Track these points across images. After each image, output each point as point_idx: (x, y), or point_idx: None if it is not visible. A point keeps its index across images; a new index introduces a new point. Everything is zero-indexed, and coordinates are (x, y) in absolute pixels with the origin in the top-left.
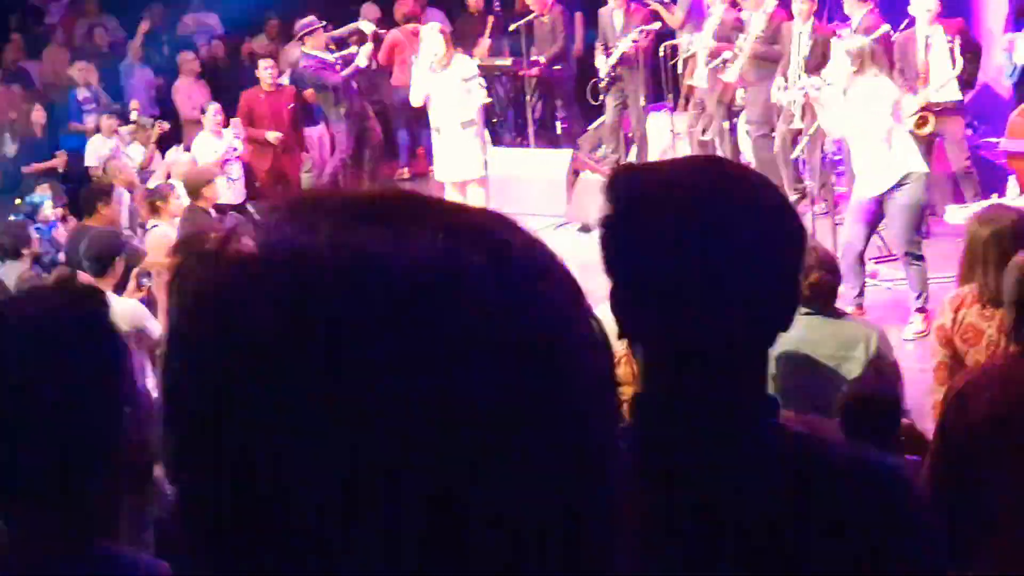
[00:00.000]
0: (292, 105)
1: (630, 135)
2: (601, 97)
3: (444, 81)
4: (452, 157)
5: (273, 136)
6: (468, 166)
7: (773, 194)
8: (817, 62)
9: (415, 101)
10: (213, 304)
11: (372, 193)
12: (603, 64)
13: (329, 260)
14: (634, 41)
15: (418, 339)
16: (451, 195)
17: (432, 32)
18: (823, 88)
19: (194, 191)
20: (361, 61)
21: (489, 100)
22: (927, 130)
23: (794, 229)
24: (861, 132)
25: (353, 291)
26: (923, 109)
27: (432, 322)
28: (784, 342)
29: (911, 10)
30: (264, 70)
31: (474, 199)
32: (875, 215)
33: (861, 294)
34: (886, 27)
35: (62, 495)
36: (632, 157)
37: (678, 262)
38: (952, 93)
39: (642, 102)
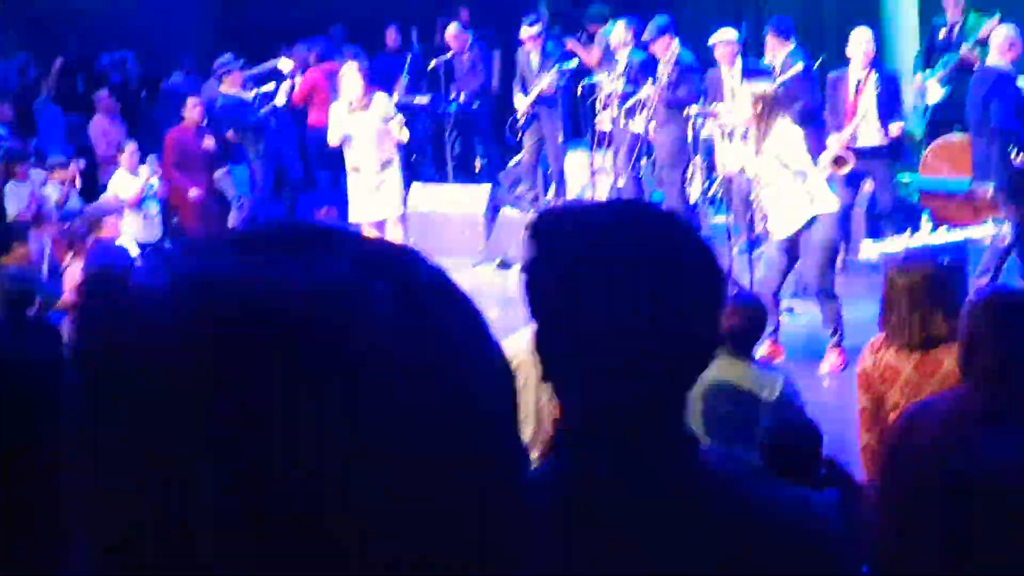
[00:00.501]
0: (210, 144)
1: (549, 172)
2: (519, 135)
3: (363, 121)
4: (370, 197)
5: (194, 193)
6: (387, 205)
7: (693, 237)
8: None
9: (332, 141)
10: (115, 334)
11: (280, 225)
12: (521, 102)
13: (233, 288)
14: (551, 79)
15: (318, 363)
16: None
17: (351, 72)
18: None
19: (94, 225)
20: (279, 100)
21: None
22: (845, 170)
23: (714, 272)
24: (772, 173)
25: (256, 317)
26: (844, 149)
27: (333, 345)
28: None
29: (848, 52)
30: (192, 108)
31: (393, 238)
32: (790, 254)
33: (776, 331)
34: (800, 65)
35: None
36: (551, 194)
37: (598, 305)
38: (878, 136)
39: (560, 139)
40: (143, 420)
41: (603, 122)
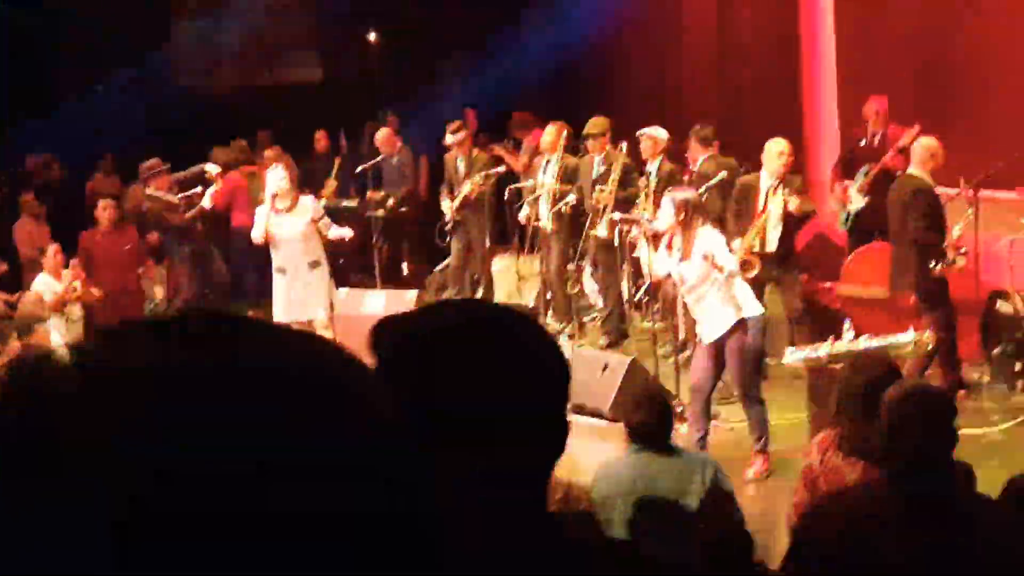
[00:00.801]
0: (130, 246)
1: (476, 277)
2: (446, 240)
3: (290, 222)
4: (297, 298)
5: (96, 293)
6: (314, 306)
7: (533, 331)
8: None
9: (255, 238)
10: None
11: (194, 314)
12: (447, 207)
13: (145, 376)
14: (477, 185)
15: (231, 448)
16: None
17: (277, 174)
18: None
19: (25, 331)
20: (206, 203)
21: (342, 236)
22: (751, 274)
23: (555, 364)
24: (697, 280)
25: (170, 401)
26: (749, 254)
27: (247, 428)
28: (619, 482)
29: (763, 157)
30: (103, 211)
31: None
32: (717, 359)
33: (705, 437)
34: (723, 174)
35: None
36: (479, 296)
37: (439, 406)
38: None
39: (486, 244)
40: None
41: (531, 226)
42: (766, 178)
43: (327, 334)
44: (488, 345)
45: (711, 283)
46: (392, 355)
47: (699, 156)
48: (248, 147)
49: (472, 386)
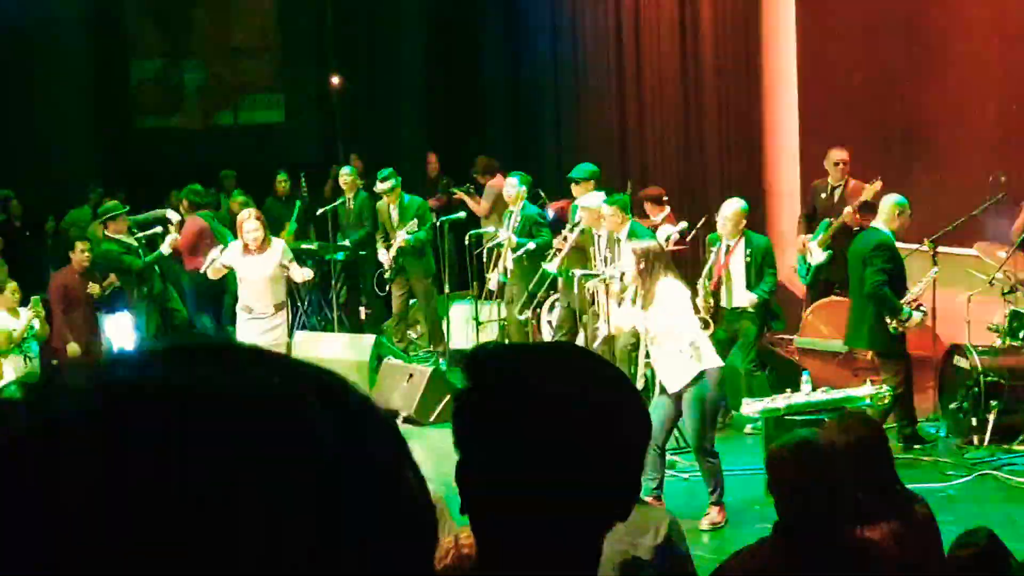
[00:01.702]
0: (96, 288)
1: (414, 322)
2: (386, 287)
3: (259, 264)
4: (260, 338)
5: (72, 350)
6: (277, 345)
7: (624, 383)
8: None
9: (210, 273)
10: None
11: (198, 342)
12: (385, 256)
13: (162, 393)
14: (409, 233)
15: (250, 469)
16: None
17: (250, 217)
18: (617, 282)
19: None
20: (165, 250)
21: (305, 277)
22: (707, 332)
23: (641, 418)
24: (656, 331)
25: (192, 422)
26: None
27: (264, 451)
28: None
29: (718, 217)
30: (80, 252)
31: None
32: (674, 410)
33: (660, 486)
34: (683, 225)
35: None
36: (430, 342)
37: (524, 442)
38: (745, 298)
39: (427, 285)
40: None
41: (491, 280)
42: (725, 236)
43: None
44: (577, 392)
45: (674, 335)
46: (483, 383)
47: (655, 213)
48: (205, 191)
49: (554, 431)
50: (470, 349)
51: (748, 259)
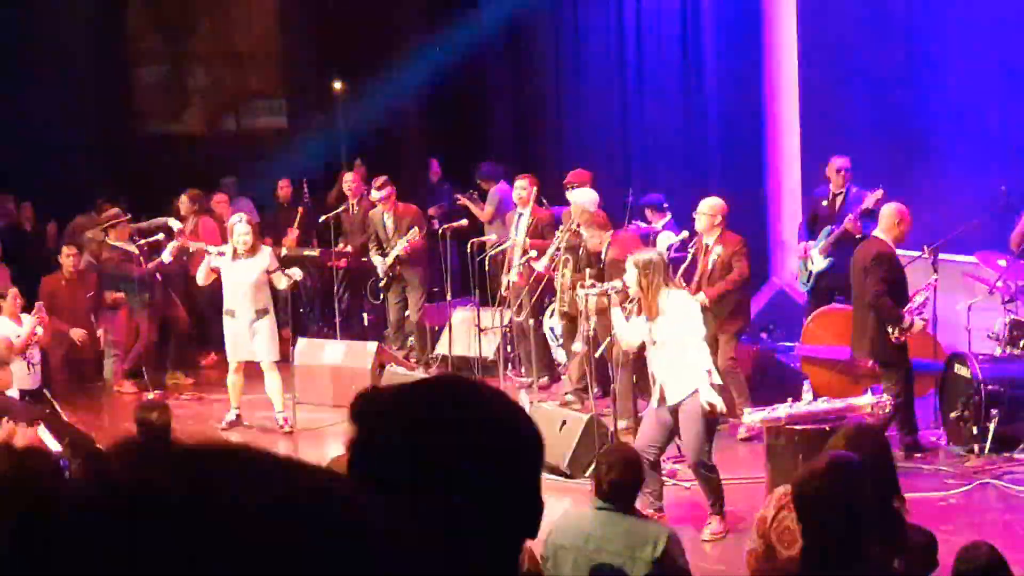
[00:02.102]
0: (91, 294)
1: (436, 327)
2: (379, 296)
3: (245, 268)
4: (244, 341)
5: (77, 334)
6: (261, 350)
7: (506, 407)
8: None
9: (199, 280)
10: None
11: (212, 443)
12: (380, 264)
13: (174, 493)
14: (408, 242)
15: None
16: (235, 376)
17: (243, 225)
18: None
19: None
20: (166, 258)
21: (292, 278)
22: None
23: (528, 439)
24: (658, 343)
25: (207, 524)
26: None
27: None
28: (575, 534)
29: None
30: (66, 257)
31: (271, 382)
32: (672, 422)
33: (660, 498)
34: (685, 233)
35: None
36: (440, 350)
37: (413, 476)
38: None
39: (421, 295)
40: None
41: (505, 284)
42: (705, 235)
43: (275, 376)
44: (461, 422)
45: (669, 347)
46: (367, 429)
47: (656, 221)
48: (202, 195)
49: (450, 464)
50: (357, 396)
51: (716, 258)
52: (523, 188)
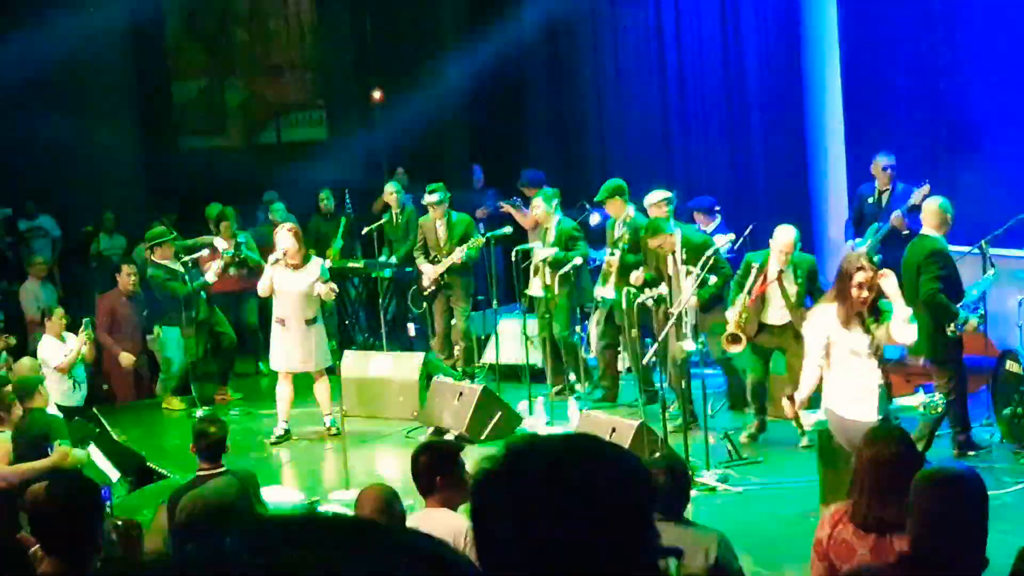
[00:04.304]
0: (146, 312)
1: (483, 336)
2: (425, 305)
3: (294, 278)
4: (294, 350)
5: (127, 360)
6: (310, 360)
7: (629, 463)
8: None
9: (262, 292)
10: None
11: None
12: (429, 271)
13: None
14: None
15: None
16: (284, 387)
17: (284, 232)
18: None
19: (26, 394)
20: (210, 278)
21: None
22: (737, 348)
23: (642, 496)
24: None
25: None
26: (738, 327)
27: None
28: None
29: (771, 243)
30: (126, 276)
31: (321, 391)
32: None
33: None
34: (732, 235)
35: None
36: (487, 358)
37: (540, 545)
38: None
39: (466, 306)
40: None
41: (534, 288)
42: (774, 260)
43: (325, 385)
44: (590, 484)
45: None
46: (491, 503)
47: (706, 225)
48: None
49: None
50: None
51: (799, 282)
52: (538, 207)
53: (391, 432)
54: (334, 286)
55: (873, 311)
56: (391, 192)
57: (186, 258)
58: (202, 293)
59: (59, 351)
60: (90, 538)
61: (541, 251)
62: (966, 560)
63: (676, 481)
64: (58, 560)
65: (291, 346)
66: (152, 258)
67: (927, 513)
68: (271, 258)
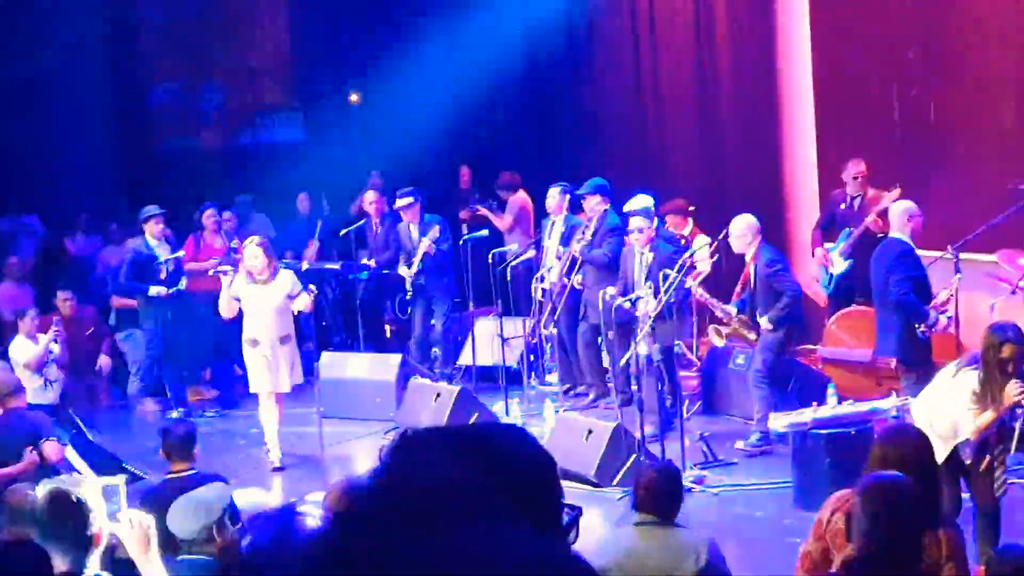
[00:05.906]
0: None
1: (459, 338)
2: (408, 310)
3: (264, 295)
4: (268, 370)
5: (104, 361)
6: (282, 380)
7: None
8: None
9: (225, 313)
10: None
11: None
12: (406, 275)
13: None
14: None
15: None
16: (266, 405)
17: (252, 247)
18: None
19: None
20: (181, 285)
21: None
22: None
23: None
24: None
25: None
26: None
27: None
28: (615, 551)
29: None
30: (62, 301)
31: (271, 418)
32: None
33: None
34: (707, 239)
35: None
36: (465, 359)
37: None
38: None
39: (445, 305)
40: None
41: (537, 291)
42: (750, 253)
43: (275, 411)
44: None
45: None
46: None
47: (680, 228)
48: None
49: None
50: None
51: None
52: (552, 196)
53: (368, 433)
54: (313, 289)
55: None
56: (371, 201)
57: (169, 257)
58: (180, 285)
59: (30, 351)
60: None
61: (547, 244)
62: (905, 565)
63: (670, 485)
64: None
65: (265, 367)
66: (145, 238)
67: (864, 519)
68: (230, 280)
